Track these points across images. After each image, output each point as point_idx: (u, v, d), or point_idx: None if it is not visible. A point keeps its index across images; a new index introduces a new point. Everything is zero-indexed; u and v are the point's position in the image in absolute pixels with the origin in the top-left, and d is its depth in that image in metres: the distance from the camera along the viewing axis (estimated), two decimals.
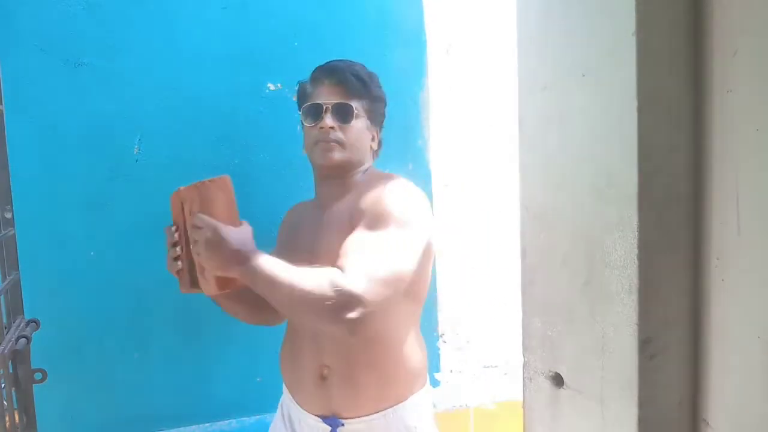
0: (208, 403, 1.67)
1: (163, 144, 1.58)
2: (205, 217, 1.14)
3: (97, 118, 1.53)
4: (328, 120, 1.29)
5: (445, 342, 1.95)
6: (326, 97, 1.31)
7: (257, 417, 1.66)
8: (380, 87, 1.39)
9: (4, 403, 0.97)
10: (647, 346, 0.62)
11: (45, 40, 1.48)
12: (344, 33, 1.71)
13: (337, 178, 1.34)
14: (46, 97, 1.49)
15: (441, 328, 1.92)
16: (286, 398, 1.42)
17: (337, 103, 1.30)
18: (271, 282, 1.11)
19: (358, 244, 1.17)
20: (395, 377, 1.32)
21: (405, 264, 1.18)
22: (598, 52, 0.65)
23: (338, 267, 1.13)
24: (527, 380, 0.80)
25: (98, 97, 1.53)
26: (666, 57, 0.61)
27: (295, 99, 1.43)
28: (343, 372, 1.29)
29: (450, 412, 1.89)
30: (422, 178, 1.79)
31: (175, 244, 1.20)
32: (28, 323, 1.13)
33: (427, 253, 1.29)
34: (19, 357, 1.09)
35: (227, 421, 1.67)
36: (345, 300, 1.07)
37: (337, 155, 1.30)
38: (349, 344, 1.26)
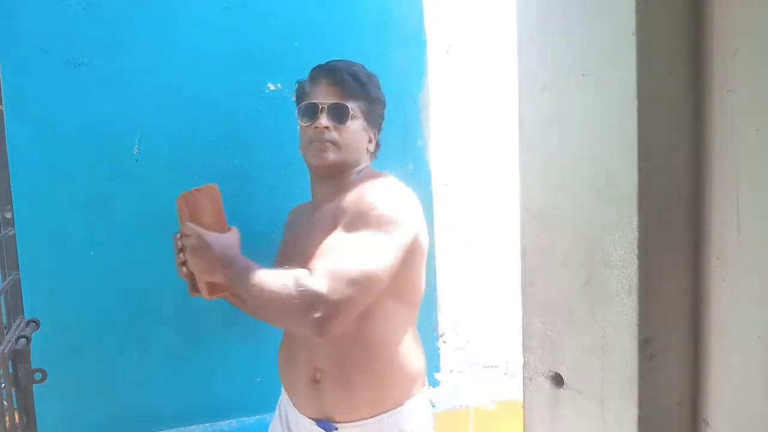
0: (208, 403, 1.67)
1: (163, 144, 1.58)
2: (192, 225, 1.21)
3: (97, 118, 1.53)
4: (324, 120, 1.28)
5: (445, 342, 1.95)
6: (323, 96, 1.31)
7: (257, 417, 1.66)
8: (379, 88, 1.38)
9: (4, 403, 0.97)
10: (647, 346, 0.62)
11: (45, 40, 1.48)
12: (344, 33, 1.71)
13: (332, 179, 1.33)
14: (46, 97, 1.49)
15: (441, 328, 1.92)
16: (284, 399, 1.42)
17: (333, 104, 1.29)
18: (246, 285, 1.14)
19: (332, 245, 1.16)
20: (390, 381, 1.30)
21: (376, 264, 1.14)
22: (598, 52, 0.65)
23: (309, 268, 1.12)
24: (527, 380, 0.80)
25: (98, 97, 1.53)
26: (666, 57, 0.61)
27: (294, 99, 1.43)
28: (336, 375, 1.27)
29: (450, 412, 1.89)
30: (422, 178, 1.80)
31: (180, 250, 1.25)
32: (28, 323, 1.13)
33: (414, 253, 1.26)
34: (19, 357, 1.09)
35: (227, 421, 1.67)
36: (309, 300, 1.07)
37: (332, 156, 1.29)
38: (342, 348, 1.25)
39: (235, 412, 1.68)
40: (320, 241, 1.21)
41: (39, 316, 1.16)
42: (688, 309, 0.64)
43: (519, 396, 0.84)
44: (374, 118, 1.36)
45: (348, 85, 1.30)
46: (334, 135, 1.29)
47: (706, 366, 0.64)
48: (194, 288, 1.27)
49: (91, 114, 1.52)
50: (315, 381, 1.29)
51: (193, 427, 1.65)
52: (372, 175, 1.34)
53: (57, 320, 1.46)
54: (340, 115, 1.29)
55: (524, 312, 0.80)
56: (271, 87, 1.65)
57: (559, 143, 0.71)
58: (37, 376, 1.12)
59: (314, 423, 1.31)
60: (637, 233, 0.61)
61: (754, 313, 0.58)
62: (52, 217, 1.52)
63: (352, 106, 1.30)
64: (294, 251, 1.33)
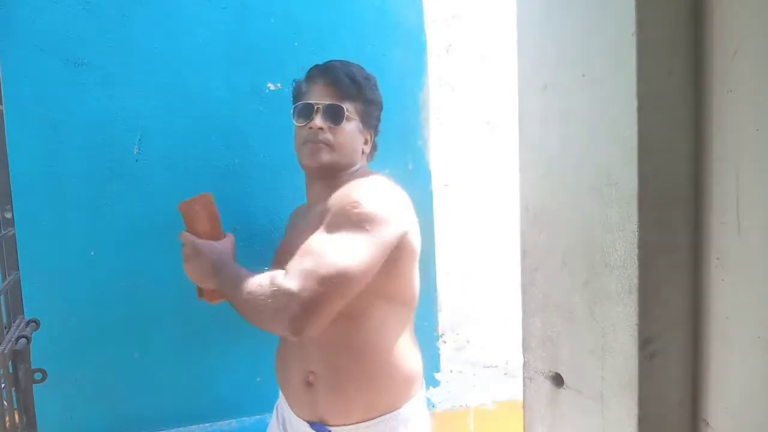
0: (208, 403, 1.67)
1: (163, 144, 1.58)
2: (186, 234, 1.27)
3: (97, 118, 1.53)
4: (318, 120, 1.28)
5: (445, 342, 1.96)
6: (318, 97, 1.30)
7: (257, 417, 1.66)
8: (377, 90, 1.37)
9: (4, 403, 0.97)
10: (647, 346, 0.62)
11: (45, 40, 1.48)
12: (344, 33, 1.71)
13: (325, 180, 1.32)
14: (46, 97, 1.49)
15: (441, 328, 1.92)
16: (281, 400, 1.42)
17: (328, 104, 1.28)
18: (232, 289, 1.17)
19: (311, 244, 1.15)
20: (384, 385, 1.28)
21: (350, 261, 1.11)
22: (598, 52, 0.65)
23: (286, 268, 1.13)
24: (527, 380, 0.80)
25: (98, 97, 1.53)
26: (666, 57, 0.61)
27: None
28: (329, 378, 1.26)
29: (450, 412, 1.88)
30: (422, 178, 1.79)
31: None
32: (28, 323, 1.13)
33: (403, 253, 1.24)
34: (19, 357, 1.09)
35: (227, 421, 1.67)
36: (282, 299, 1.07)
37: (325, 156, 1.28)
38: (334, 351, 1.24)
39: (235, 412, 1.68)
40: None
41: (39, 316, 1.16)
42: (688, 309, 0.64)
43: (519, 396, 0.84)
44: (370, 120, 1.35)
45: (344, 86, 1.29)
46: (328, 136, 1.28)
47: (706, 366, 0.64)
48: (201, 293, 1.32)
49: (91, 114, 1.52)
50: (308, 384, 1.28)
51: (193, 427, 1.65)
52: (362, 174, 1.32)
53: (57, 320, 1.46)
54: (335, 116, 1.28)
55: (524, 312, 0.80)
56: (271, 87, 1.65)
57: (559, 143, 0.71)
58: (37, 376, 1.12)
59: (308, 425, 1.30)
60: (637, 233, 0.61)
61: (754, 313, 0.58)
62: (52, 217, 1.52)
63: (348, 107, 1.29)
64: (287, 252, 1.32)
